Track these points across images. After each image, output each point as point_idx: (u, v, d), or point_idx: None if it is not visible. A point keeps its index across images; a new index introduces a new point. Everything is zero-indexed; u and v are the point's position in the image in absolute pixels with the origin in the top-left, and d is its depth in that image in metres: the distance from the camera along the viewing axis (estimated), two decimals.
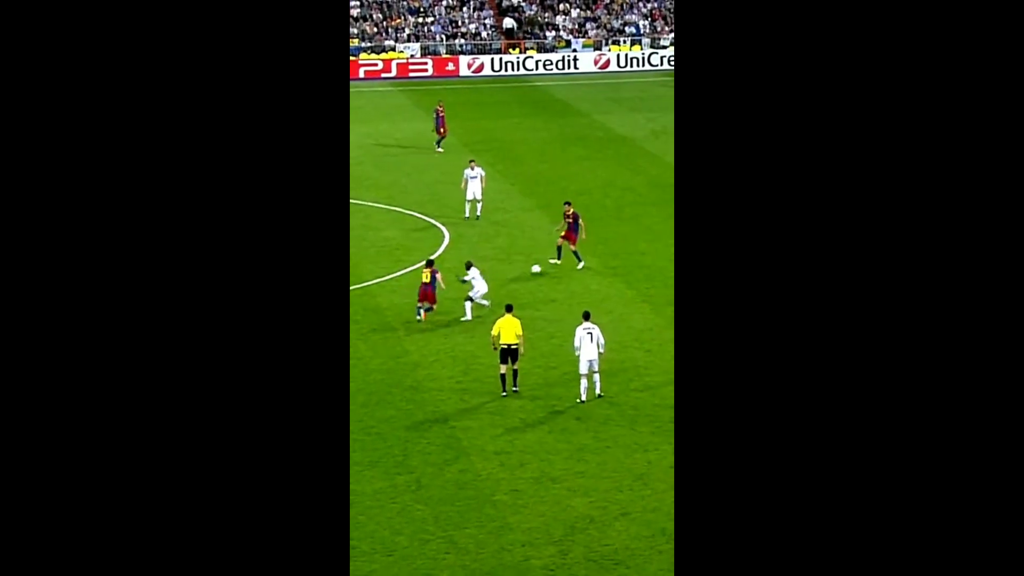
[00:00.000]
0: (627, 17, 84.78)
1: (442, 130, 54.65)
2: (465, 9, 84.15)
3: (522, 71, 79.10)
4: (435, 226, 43.07)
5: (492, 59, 79.52)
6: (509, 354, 27.92)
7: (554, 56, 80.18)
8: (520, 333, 28.02)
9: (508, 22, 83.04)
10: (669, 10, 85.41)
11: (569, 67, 79.86)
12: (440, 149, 54.45)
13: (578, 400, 27.67)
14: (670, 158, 52.95)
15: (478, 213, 43.13)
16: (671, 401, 27.80)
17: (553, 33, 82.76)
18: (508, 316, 28.40)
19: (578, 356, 27.71)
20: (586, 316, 28.52)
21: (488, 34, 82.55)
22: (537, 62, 79.65)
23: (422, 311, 33.36)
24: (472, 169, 43.42)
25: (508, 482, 23.94)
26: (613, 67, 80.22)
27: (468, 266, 34.19)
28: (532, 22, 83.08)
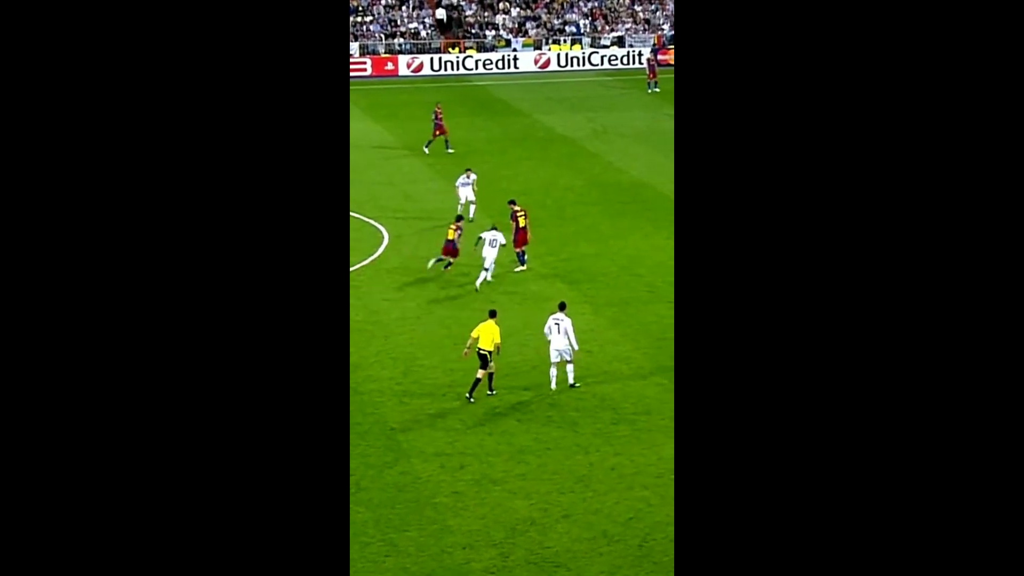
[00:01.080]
0: (567, 16, 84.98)
1: (437, 132, 54.29)
2: (404, 8, 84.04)
3: (462, 70, 79.15)
4: (374, 227, 43.00)
5: (432, 58, 79.51)
6: (481, 360, 27.96)
7: (494, 55, 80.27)
8: (498, 341, 28.04)
9: (440, 12, 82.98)
10: (610, 9, 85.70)
11: (509, 66, 79.99)
12: (426, 150, 54.21)
13: (550, 388, 28.27)
14: (611, 157, 53.18)
15: (471, 216, 42.70)
16: (612, 402, 27.96)
17: (493, 32, 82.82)
18: (490, 322, 28.37)
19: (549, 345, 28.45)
20: (561, 307, 29.09)
21: (428, 33, 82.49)
22: (477, 61, 79.72)
23: (444, 266, 36.39)
24: (467, 176, 43.40)
25: (448, 484, 23.96)
26: (553, 66, 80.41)
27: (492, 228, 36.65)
28: (460, 22, 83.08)
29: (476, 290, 35.52)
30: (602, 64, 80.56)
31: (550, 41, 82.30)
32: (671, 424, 26.72)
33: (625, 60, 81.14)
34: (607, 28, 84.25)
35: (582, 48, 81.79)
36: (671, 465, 24.74)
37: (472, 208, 43.15)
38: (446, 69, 78.97)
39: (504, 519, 22.60)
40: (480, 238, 36.27)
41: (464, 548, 21.57)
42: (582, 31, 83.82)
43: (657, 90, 70.37)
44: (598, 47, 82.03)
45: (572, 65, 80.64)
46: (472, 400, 27.96)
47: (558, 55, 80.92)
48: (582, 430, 26.55)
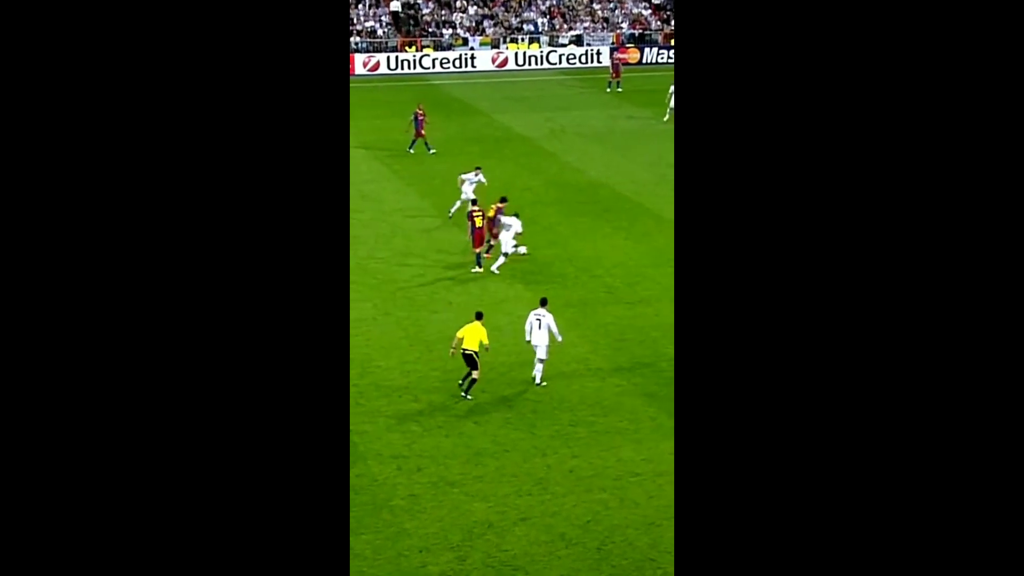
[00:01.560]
0: (525, 15, 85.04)
1: (421, 133, 54.11)
2: (360, 7, 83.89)
3: (419, 69, 79.05)
4: None
5: (388, 57, 79.35)
6: (467, 360, 28.12)
7: (451, 54, 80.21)
8: (486, 342, 28.23)
9: (395, 4, 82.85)
10: (568, 8, 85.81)
11: (467, 65, 79.96)
12: (411, 151, 54.06)
13: (534, 384, 28.88)
14: (569, 158, 53.24)
15: (452, 211, 43.12)
16: (570, 404, 28.01)
17: (450, 31, 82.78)
18: (476, 323, 28.50)
19: (529, 341, 28.88)
20: (542, 303, 29.44)
21: (384, 32, 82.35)
22: (434, 60, 79.63)
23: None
24: (476, 174, 43.44)
25: (405, 487, 23.94)
26: (511, 65, 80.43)
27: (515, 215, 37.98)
28: (416, 21, 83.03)
29: (495, 272, 37.22)
30: (560, 63, 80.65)
31: (508, 40, 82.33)
32: (629, 426, 26.82)
33: (583, 59, 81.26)
34: (565, 27, 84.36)
35: (540, 47, 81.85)
36: (629, 467, 24.84)
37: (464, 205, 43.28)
38: (403, 68, 78.86)
39: (461, 522, 22.60)
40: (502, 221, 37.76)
41: (421, 551, 21.56)
42: (540, 30, 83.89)
43: (619, 90, 70.51)
44: (556, 46, 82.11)
45: (530, 64, 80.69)
46: (469, 397, 28.23)
47: (516, 54, 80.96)
48: (540, 432, 26.57)
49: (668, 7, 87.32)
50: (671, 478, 24.30)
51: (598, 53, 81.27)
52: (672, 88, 60.24)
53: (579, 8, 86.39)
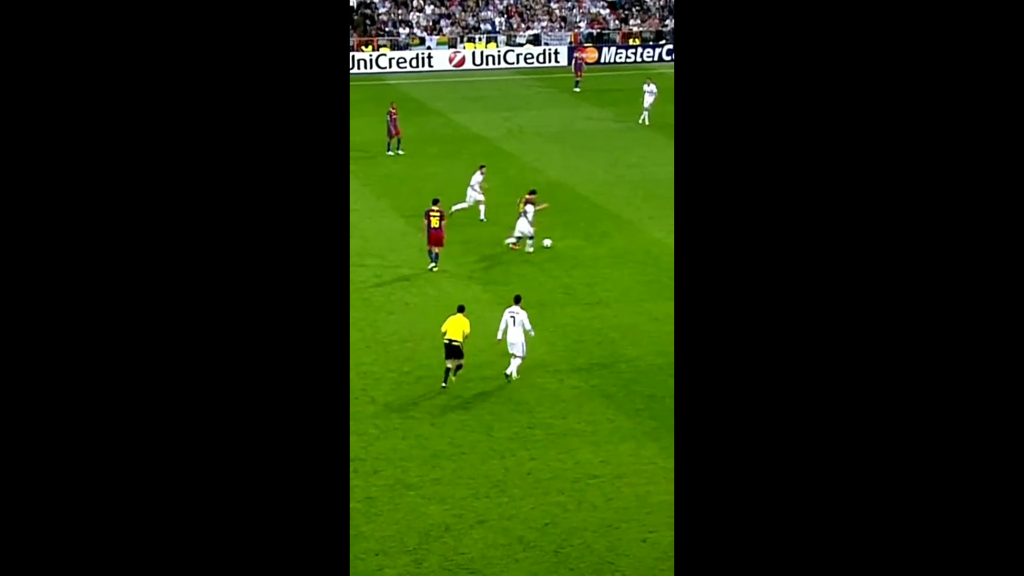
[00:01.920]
0: (483, 14, 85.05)
1: (394, 132, 53.94)
2: None
3: (375, 69, 78.90)
4: None
5: None
6: (452, 351, 28.83)
7: (408, 54, 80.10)
8: (467, 332, 29.02)
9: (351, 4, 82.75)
10: (526, 7, 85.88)
11: (424, 65, 79.86)
12: (390, 152, 53.83)
13: (505, 374, 29.29)
14: (528, 157, 53.27)
15: (476, 210, 43.60)
16: (527, 406, 28.03)
17: (407, 30, 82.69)
18: (459, 315, 29.28)
19: (503, 340, 29.29)
20: (516, 300, 29.80)
21: None
22: (391, 60, 79.50)
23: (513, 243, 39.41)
24: (480, 173, 43.53)
25: (362, 489, 23.89)
26: (468, 65, 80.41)
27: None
28: (373, 20, 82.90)
29: (529, 251, 39.41)
30: (518, 62, 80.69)
31: (465, 39, 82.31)
32: (587, 428, 26.86)
33: (541, 58, 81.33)
34: (523, 26, 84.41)
35: (498, 46, 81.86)
36: (588, 470, 24.88)
37: (481, 207, 43.53)
38: (359, 68, 78.68)
39: (418, 525, 22.57)
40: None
41: (377, 554, 21.53)
42: (498, 29, 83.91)
43: (577, 90, 70.61)
44: (514, 45, 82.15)
45: (487, 64, 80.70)
46: (445, 387, 28.84)
47: (473, 53, 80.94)
48: (497, 434, 26.58)
49: (626, 6, 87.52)
50: (629, 480, 24.38)
51: (556, 52, 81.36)
52: (647, 89, 59.89)
53: (536, 7, 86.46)
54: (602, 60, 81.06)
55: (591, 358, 30.81)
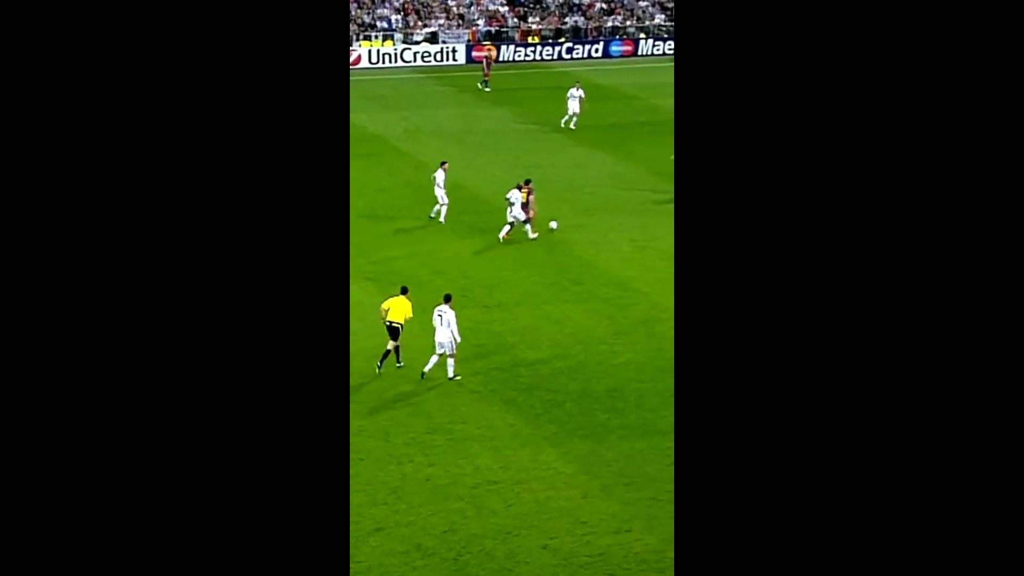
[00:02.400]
0: (379, 11, 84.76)
1: None
2: None
3: None
4: None
5: None
6: (394, 332, 29.74)
7: None
8: (409, 316, 29.91)
9: None
10: (422, 4, 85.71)
11: None
12: None
13: (421, 374, 29.58)
14: (424, 158, 53.14)
15: (441, 218, 43.48)
16: (426, 411, 27.94)
17: None
18: (401, 297, 30.18)
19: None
20: (446, 299, 30.06)
21: None
22: None
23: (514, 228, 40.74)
24: (442, 171, 43.30)
25: None
26: (364, 63, 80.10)
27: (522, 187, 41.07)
28: None
29: (530, 238, 40.74)
30: (415, 61, 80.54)
31: (361, 37, 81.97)
32: (487, 432, 26.82)
33: (439, 57, 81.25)
34: (420, 24, 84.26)
35: (394, 44, 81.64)
36: (487, 475, 24.84)
37: (443, 209, 43.43)
38: None
39: None
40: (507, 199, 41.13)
41: None
42: (394, 27, 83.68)
43: (479, 86, 70.60)
44: (411, 43, 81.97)
45: (384, 62, 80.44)
46: (380, 369, 29.49)
47: (369, 51, 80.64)
48: (395, 440, 26.46)
49: (525, 3, 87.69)
50: (530, 486, 24.38)
51: (453, 51, 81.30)
52: (575, 93, 59.59)
53: (434, 5, 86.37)
54: (501, 58, 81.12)
55: (490, 362, 30.78)
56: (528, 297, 36.04)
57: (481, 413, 27.90)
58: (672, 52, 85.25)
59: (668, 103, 58.72)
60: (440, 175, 43.32)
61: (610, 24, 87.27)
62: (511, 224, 41.11)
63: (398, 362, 30.12)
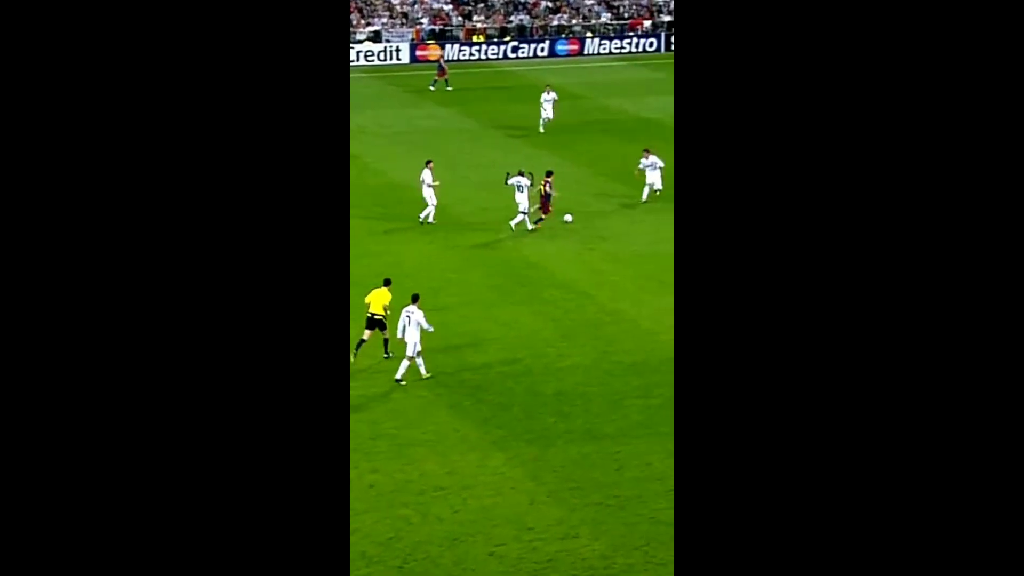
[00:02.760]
0: None
1: None
2: None
3: None
4: None
5: None
6: (376, 323, 30.51)
7: None
8: (387, 303, 30.71)
9: None
10: (366, 2, 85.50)
11: None
12: None
13: (394, 379, 29.60)
14: (369, 158, 53.05)
15: (431, 219, 43.52)
16: (370, 416, 27.86)
17: None
18: (383, 288, 31.02)
19: (401, 339, 29.67)
20: (413, 299, 30.18)
21: None
22: None
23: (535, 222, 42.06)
24: (428, 170, 43.19)
25: None
26: None
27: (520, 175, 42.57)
28: None
29: (511, 229, 41.90)
30: (358, 60, 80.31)
31: None
32: (432, 438, 26.79)
33: (382, 56, 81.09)
34: (363, 22, 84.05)
35: None
36: (433, 481, 24.81)
37: (432, 211, 43.47)
38: None
39: None
40: (511, 183, 42.39)
41: None
42: None
43: (433, 89, 70.54)
44: (353, 43, 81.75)
45: None
46: (354, 357, 29.78)
47: None
48: None
49: (469, 2, 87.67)
50: (476, 492, 24.37)
51: (397, 50, 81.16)
52: (548, 97, 59.08)
53: (377, 3, 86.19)
54: (446, 58, 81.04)
55: (436, 366, 30.73)
56: (474, 300, 36.04)
57: (427, 418, 27.86)
58: (618, 51, 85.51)
59: (615, 103, 59.09)
60: (427, 174, 43.39)
61: (556, 23, 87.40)
62: (524, 213, 42.18)
63: (385, 353, 30.81)
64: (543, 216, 42.50)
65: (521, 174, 42.66)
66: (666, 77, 76.74)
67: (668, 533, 22.25)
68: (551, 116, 58.93)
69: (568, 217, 43.01)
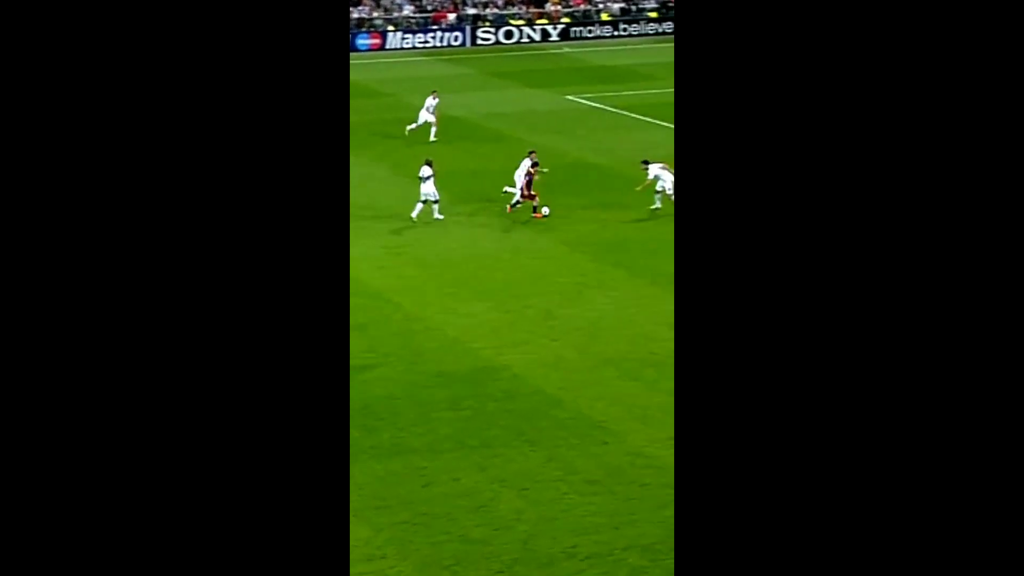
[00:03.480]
0: None
1: None
2: None
3: None
4: None
5: None
6: None
7: None
8: None
9: None
10: None
11: None
12: None
13: None
14: None
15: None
16: None
17: None
18: None
19: None
20: None
21: None
22: None
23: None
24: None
25: None
26: None
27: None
28: None
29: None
30: None
31: None
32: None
33: None
34: None
35: None
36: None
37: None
38: None
39: None
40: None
41: None
42: None
43: None
44: None
45: None
46: None
47: None
48: None
49: None
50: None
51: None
52: (430, 101, 57.29)
53: None
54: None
55: None
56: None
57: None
58: (422, 45, 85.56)
59: (420, 100, 58.85)
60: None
61: (356, 16, 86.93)
62: (519, 201, 43.47)
63: None
64: (532, 201, 43.53)
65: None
66: (471, 72, 77.12)
67: (479, 551, 22.33)
68: (431, 120, 56.70)
69: (545, 210, 43.73)
